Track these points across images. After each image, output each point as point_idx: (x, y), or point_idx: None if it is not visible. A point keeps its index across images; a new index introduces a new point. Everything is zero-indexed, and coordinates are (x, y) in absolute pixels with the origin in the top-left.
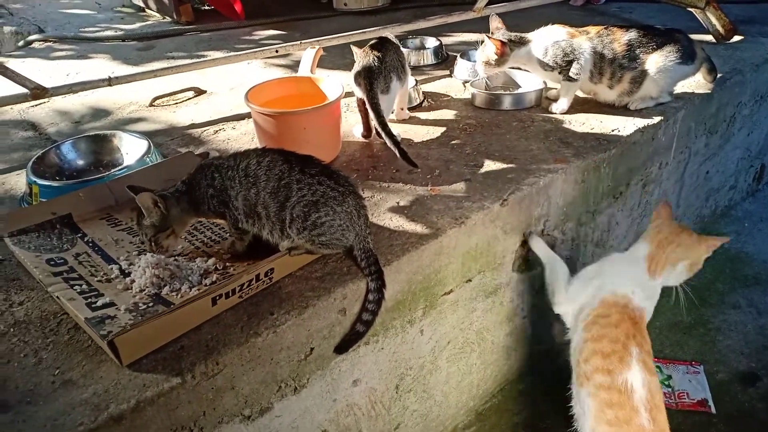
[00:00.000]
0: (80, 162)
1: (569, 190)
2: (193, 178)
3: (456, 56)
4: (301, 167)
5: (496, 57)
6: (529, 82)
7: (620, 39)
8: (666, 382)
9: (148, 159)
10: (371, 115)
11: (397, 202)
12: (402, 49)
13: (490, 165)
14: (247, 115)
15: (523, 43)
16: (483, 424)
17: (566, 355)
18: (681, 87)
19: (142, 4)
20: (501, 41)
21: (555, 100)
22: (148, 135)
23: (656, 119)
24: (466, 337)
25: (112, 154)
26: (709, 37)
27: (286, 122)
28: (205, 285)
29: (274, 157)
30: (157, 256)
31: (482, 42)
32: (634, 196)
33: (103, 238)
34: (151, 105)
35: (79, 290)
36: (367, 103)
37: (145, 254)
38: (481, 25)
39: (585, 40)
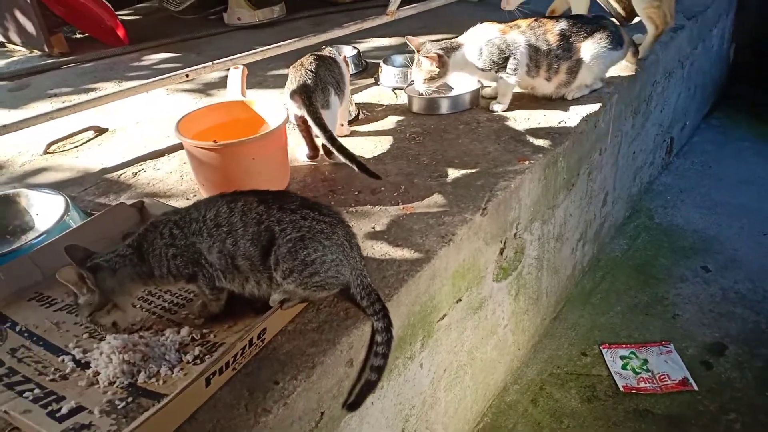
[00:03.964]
0: None
1: (534, 188)
2: (142, 239)
3: (377, 63)
4: (280, 204)
5: (438, 70)
6: (462, 83)
7: (552, 30)
8: (644, 367)
9: (68, 219)
10: (317, 131)
11: (373, 227)
12: (338, 61)
13: (454, 173)
14: (168, 151)
15: (456, 48)
16: None
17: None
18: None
19: (2, 39)
20: (437, 54)
21: (491, 98)
22: (53, 188)
23: (596, 106)
24: (459, 361)
25: (20, 217)
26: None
27: (233, 154)
28: (188, 362)
29: (248, 200)
30: (121, 336)
31: (416, 63)
32: (582, 186)
33: (40, 324)
34: (46, 152)
35: (31, 397)
36: (309, 119)
37: (104, 337)
38: (391, 28)
39: (518, 35)
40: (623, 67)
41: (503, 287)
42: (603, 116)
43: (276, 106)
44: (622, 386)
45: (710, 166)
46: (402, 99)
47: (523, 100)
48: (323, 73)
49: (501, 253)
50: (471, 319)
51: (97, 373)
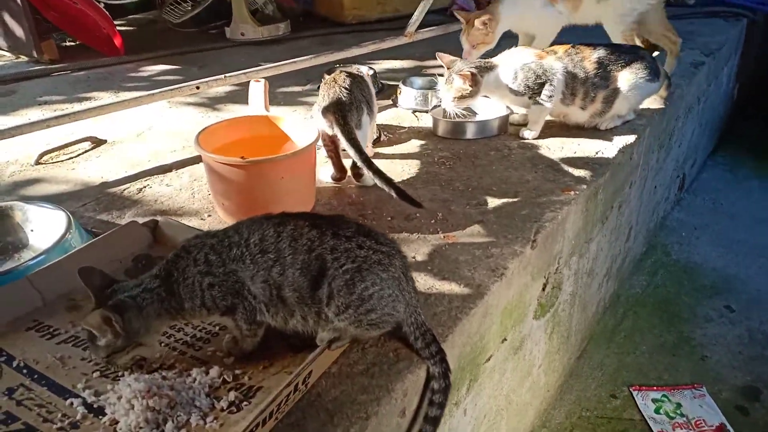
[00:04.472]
0: None
1: (577, 220)
2: (172, 266)
3: (391, 84)
4: (334, 230)
5: (470, 89)
6: (489, 108)
7: (590, 57)
8: (678, 411)
9: (70, 237)
10: (351, 153)
11: (413, 257)
12: (367, 80)
13: (494, 201)
14: (176, 166)
15: (490, 68)
16: None
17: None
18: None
19: None
20: (471, 72)
21: (520, 125)
22: (47, 201)
23: (632, 138)
24: (498, 406)
25: (14, 233)
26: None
27: (261, 172)
28: (222, 409)
29: (299, 224)
30: (143, 377)
31: (446, 79)
32: (614, 219)
33: (41, 359)
34: (38, 163)
35: None
36: (343, 140)
37: (123, 376)
38: (402, 51)
39: (555, 61)
40: (651, 100)
41: (541, 325)
42: (637, 148)
43: (304, 123)
44: None
45: (721, 204)
46: (423, 122)
47: (553, 128)
48: (356, 91)
49: (543, 288)
50: (512, 360)
51: (114, 422)
